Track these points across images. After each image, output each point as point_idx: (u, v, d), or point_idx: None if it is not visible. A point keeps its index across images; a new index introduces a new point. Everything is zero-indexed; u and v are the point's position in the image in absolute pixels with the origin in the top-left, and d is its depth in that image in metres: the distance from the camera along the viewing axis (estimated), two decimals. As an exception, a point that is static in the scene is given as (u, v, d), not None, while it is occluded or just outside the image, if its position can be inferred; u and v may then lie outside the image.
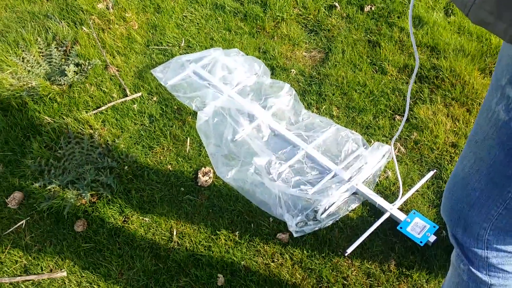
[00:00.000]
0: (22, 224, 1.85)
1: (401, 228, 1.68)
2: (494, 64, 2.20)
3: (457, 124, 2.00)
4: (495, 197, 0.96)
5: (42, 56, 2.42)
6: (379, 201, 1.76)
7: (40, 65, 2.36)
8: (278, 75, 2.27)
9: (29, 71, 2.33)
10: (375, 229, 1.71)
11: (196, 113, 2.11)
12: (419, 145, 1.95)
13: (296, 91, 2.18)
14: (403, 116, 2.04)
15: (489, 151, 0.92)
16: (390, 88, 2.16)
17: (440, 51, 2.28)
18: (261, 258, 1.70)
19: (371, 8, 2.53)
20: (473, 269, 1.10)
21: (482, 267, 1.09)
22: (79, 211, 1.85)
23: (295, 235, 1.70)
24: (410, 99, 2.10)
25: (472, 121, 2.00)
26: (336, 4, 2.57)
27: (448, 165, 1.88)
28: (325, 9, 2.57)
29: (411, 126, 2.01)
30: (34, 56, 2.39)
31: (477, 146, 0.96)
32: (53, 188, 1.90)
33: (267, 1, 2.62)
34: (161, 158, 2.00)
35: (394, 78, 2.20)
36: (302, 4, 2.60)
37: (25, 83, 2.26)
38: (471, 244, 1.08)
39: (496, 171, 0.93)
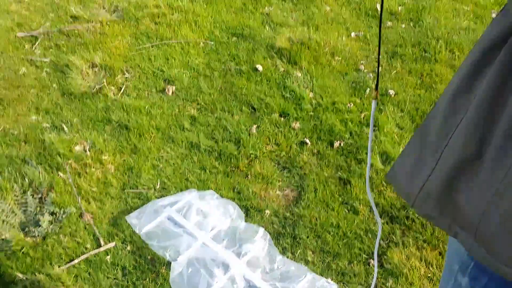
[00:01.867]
0: None
1: None
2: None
3: (431, 269, 2.00)
4: None
5: (18, 204, 2.42)
6: None
7: (15, 214, 2.36)
8: (253, 217, 2.29)
9: (3, 221, 2.32)
10: None
11: (170, 263, 2.09)
12: (394, 292, 1.94)
13: (270, 234, 2.19)
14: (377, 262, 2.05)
15: None
16: (363, 229, 2.19)
17: (409, 188, 2.33)
18: None
19: (340, 144, 2.62)
20: None
21: None
22: None
23: None
24: (384, 241, 2.12)
25: (445, 263, 2.00)
26: (307, 140, 2.66)
27: (425, 314, 1.86)
28: (297, 145, 2.66)
29: (386, 273, 2.01)
30: (9, 204, 2.39)
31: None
32: None
33: (240, 139, 2.71)
34: (134, 315, 1.95)
35: (366, 218, 2.23)
36: (275, 140, 2.69)
37: (-2, 235, 2.24)
38: None
39: None
